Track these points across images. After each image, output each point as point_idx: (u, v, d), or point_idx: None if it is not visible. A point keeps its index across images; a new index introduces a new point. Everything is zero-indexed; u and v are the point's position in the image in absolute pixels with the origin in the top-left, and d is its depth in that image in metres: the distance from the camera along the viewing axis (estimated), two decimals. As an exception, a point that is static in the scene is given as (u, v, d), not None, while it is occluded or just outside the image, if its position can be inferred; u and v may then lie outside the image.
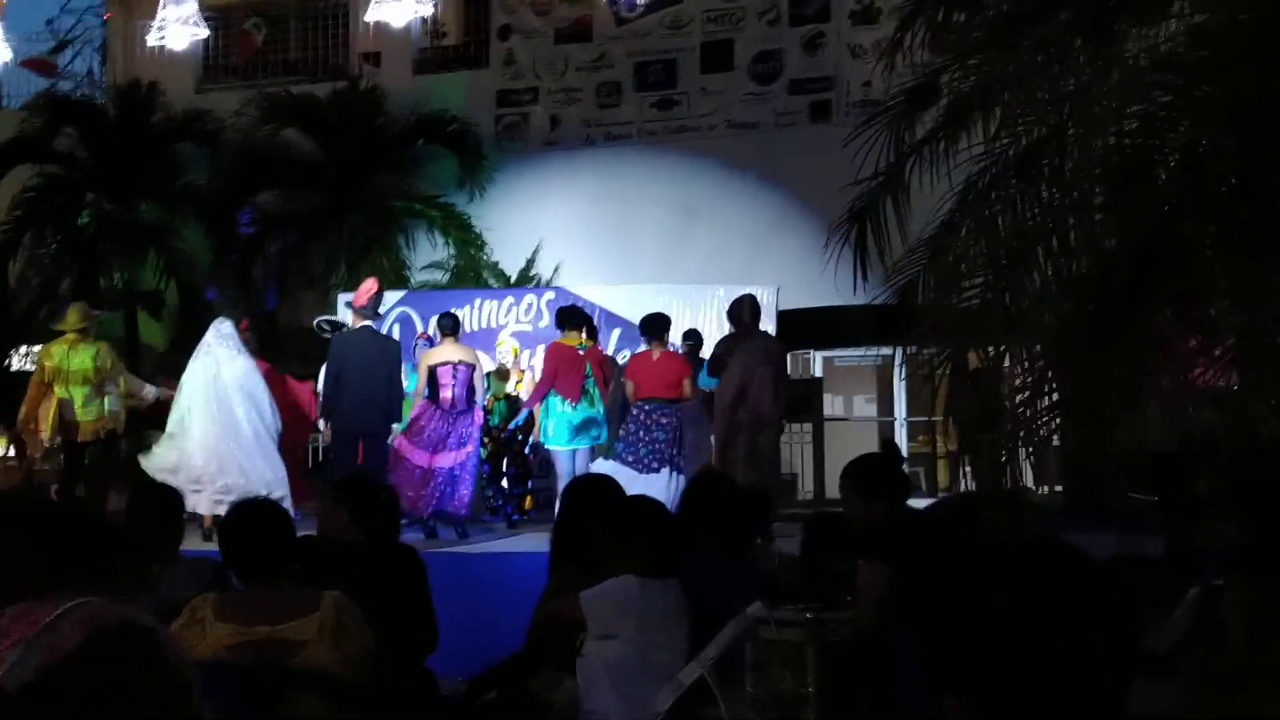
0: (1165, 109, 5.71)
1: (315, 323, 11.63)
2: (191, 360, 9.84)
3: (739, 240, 15.05)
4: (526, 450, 11.00)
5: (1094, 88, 6.06)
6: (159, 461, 9.50)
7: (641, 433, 9.86)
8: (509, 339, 11.70)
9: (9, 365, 16.66)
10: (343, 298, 13.57)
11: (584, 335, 10.44)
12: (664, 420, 9.89)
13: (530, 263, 15.72)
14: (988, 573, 1.54)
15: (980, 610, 1.48)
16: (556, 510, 5.13)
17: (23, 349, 16.73)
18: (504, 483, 10.97)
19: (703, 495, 5.29)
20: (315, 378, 11.24)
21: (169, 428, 9.69)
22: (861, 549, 4.51)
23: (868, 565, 4.40)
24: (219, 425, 9.55)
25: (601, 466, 9.72)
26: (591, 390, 10.21)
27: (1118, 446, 6.43)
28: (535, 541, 8.30)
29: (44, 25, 21.21)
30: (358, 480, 5.54)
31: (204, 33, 16.64)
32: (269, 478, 9.42)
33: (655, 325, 10.22)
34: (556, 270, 15.08)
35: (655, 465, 9.74)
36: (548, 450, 10.41)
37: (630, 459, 9.78)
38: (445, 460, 9.93)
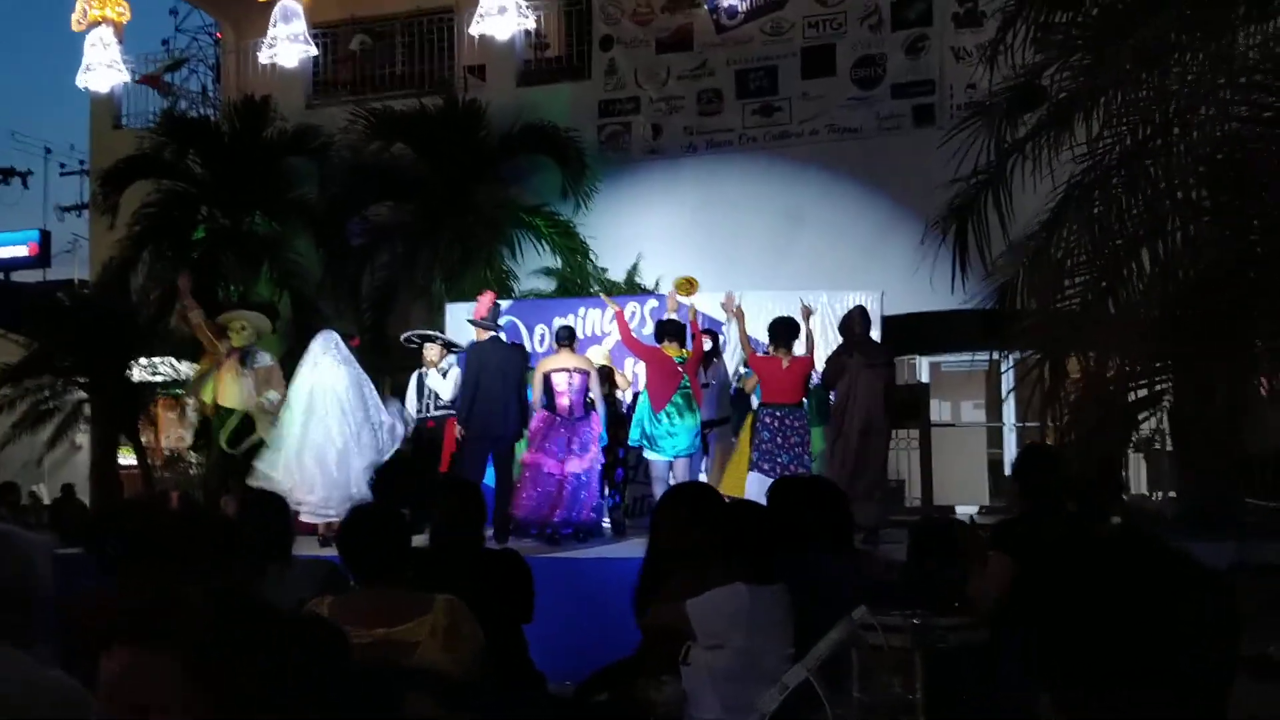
0: (1274, 110, 5.60)
1: (403, 337, 11.88)
2: (297, 371, 10.12)
3: (842, 246, 14.98)
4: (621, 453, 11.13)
5: (1200, 87, 5.96)
6: (263, 471, 9.78)
7: (779, 439, 9.89)
8: (598, 349, 11.80)
9: (131, 376, 17.15)
10: (450, 308, 13.80)
11: (681, 347, 10.52)
12: (797, 424, 9.95)
13: (633, 270, 15.81)
14: (1082, 568, 1.56)
15: (1074, 605, 1.51)
16: (652, 518, 5.15)
17: (143, 360, 17.23)
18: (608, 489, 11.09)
19: (810, 500, 5.29)
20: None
21: (271, 439, 9.97)
22: (995, 540, 4.62)
23: (997, 556, 4.50)
24: (315, 438, 9.81)
25: (750, 480, 9.76)
26: (690, 401, 10.32)
27: (1233, 451, 6.31)
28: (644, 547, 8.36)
29: (160, 46, 21.91)
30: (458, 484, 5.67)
31: (313, 50, 17.02)
32: (353, 492, 9.63)
33: (785, 331, 10.23)
34: (659, 278, 15.13)
35: (795, 469, 9.72)
36: (646, 458, 10.54)
37: (767, 466, 9.79)
38: (573, 467, 10.10)
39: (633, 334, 11.03)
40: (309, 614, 2.33)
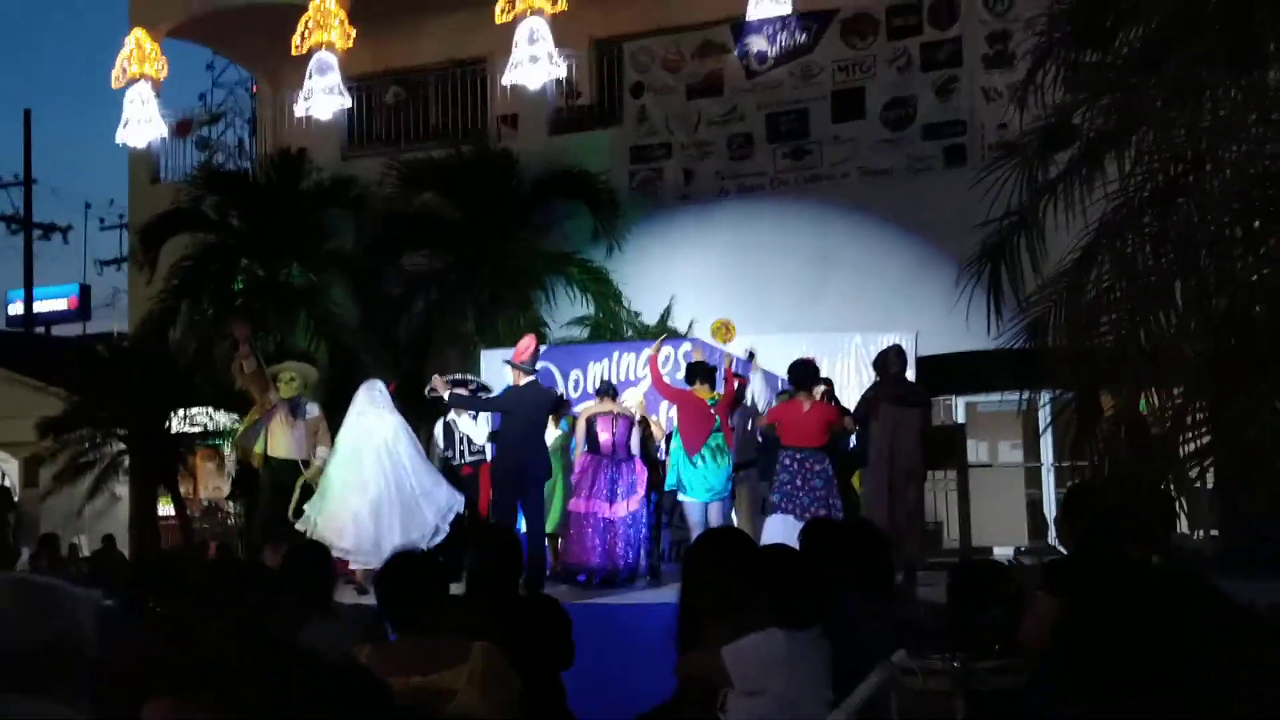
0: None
1: (427, 390, 11.54)
2: (344, 422, 10.22)
3: (875, 287, 14.97)
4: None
5: (1231, 122, 5.96)
6: (310, 520, 9.85)
7: (799, 481, 9.87)
8: (633, 393, 11.84)
9: (169, 428, 17.30)
10: (486, 355, 13.85)
11: (712, 389, 10.55)
12: (818, 468, 9.92)
13: (666, 315, 15.84)
14: (1126, 608, 1.57)
15: (1115, 641, 1.51)
16: (683, 564, 5.14)
17: (181, 412, 17.38)
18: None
19: (851, 543, 5.27)
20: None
21: (320, 489, 10.06)
22: (1045, 581, 4.66)
23: (1044, 597, 4.52)
24: (365, 486, 9.89)
25: (770, 522, 9.76)
26: (722, 444, 10.34)
27: (1275, 487, 6.25)
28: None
29: (197, 100, 22.24)
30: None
31: (348, 102, 17.23)
32: (413, 536, 9.69)
33: (805, 376, 10.23)
34: (692, 322, 15.15)
35: (818, 512, 9.69)
36: (681, 502, 10.55)
37: (788, 506, 9.77)
38: (622, 510, 10.15)
39: (664, 378, 11.06)
40: (350, 663, 2.34)
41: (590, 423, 10.45)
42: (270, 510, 10.51)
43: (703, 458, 10.26)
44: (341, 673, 2.37)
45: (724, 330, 12.21)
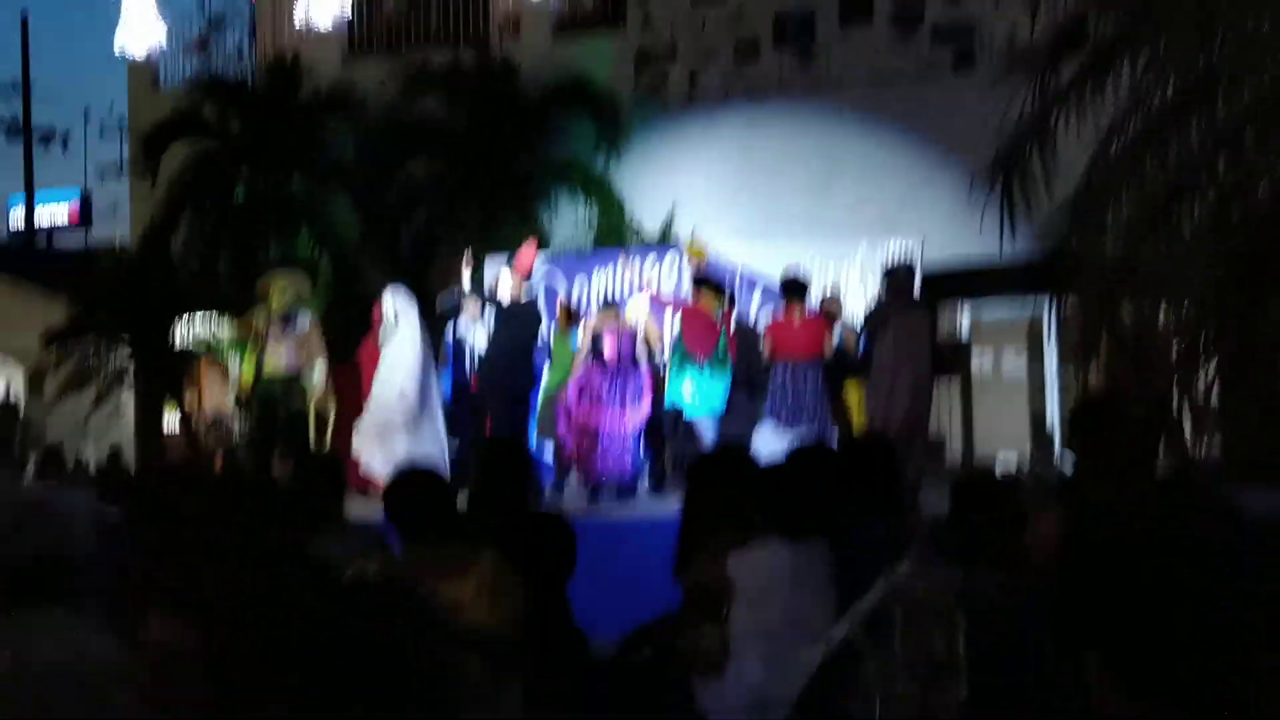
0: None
1: (438, 309, 11.67)
2: (383, 332, 10.31)
3: (882, 193, 14.84)
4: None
5: (1246, 29, 5.84)
6: (365, 424, 10.02)
7: (790, 395, 9.89)
8: (639, 300, 11.77)
9: (174, 339, 17.28)
10: (489, 261, 13.78)
11: (719, 297, 10.52)
12: (809, 379, 9.91)
13: (669, 222, 15.74)
14: (1136, 525, 1.54)
15: (1127, 562, 1.49)
16: (685, 478, 5.14)
17: (186, 319, 17.35)
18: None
19: (862, 458, 5.25)
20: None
21: (373, 395, 10.20)
22: (1054, 498, 4.62)
23: (1049, 515, 4.49)
24: (409, 391, 10.04)
25: (761, 431, 9.81)
26: (727, 357, 10.32)
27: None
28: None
29: (196, 6, 21.89)
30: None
31: (347, 7, 16.98)
32: (429, 448, 9.79)
33: (796, 288, 10.20)
34: (695, 229, 15.07)
35: (805, 421, 9.74)
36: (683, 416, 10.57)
37: (783, 414, 9.81)
38: (617, 420, 10.16)
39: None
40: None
41: (595, 337, 10.44)
42: (262, 428, 10.54)
43: (707, 370, 10.25)
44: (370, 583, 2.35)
45: (698, 251, 12.14)
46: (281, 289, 10.57)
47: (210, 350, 17.09)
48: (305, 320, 10.67)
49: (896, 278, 10.25)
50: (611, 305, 10.96)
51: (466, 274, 11.08)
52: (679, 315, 10.70)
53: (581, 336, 10.66)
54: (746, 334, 11.17)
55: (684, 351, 10.36)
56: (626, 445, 10.23)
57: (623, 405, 10.22)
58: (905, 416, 9.82)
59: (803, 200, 15.12)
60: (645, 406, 10.36)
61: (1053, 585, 1.68)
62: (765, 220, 14.84)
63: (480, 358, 11.14)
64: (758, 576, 4.28)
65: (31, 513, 2.84)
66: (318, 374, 10.43)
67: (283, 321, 10.41)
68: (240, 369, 10.92)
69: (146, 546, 4.15)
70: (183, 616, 2.37)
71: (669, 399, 10.62)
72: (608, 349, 10.31)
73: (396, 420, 10.03)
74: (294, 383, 10.40)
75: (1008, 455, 12.94)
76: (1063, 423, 10.80)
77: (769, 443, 9.07)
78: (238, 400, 11.00)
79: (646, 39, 16.76)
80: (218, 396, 16.79)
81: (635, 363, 10.40)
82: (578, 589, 5.07)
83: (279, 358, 10.37)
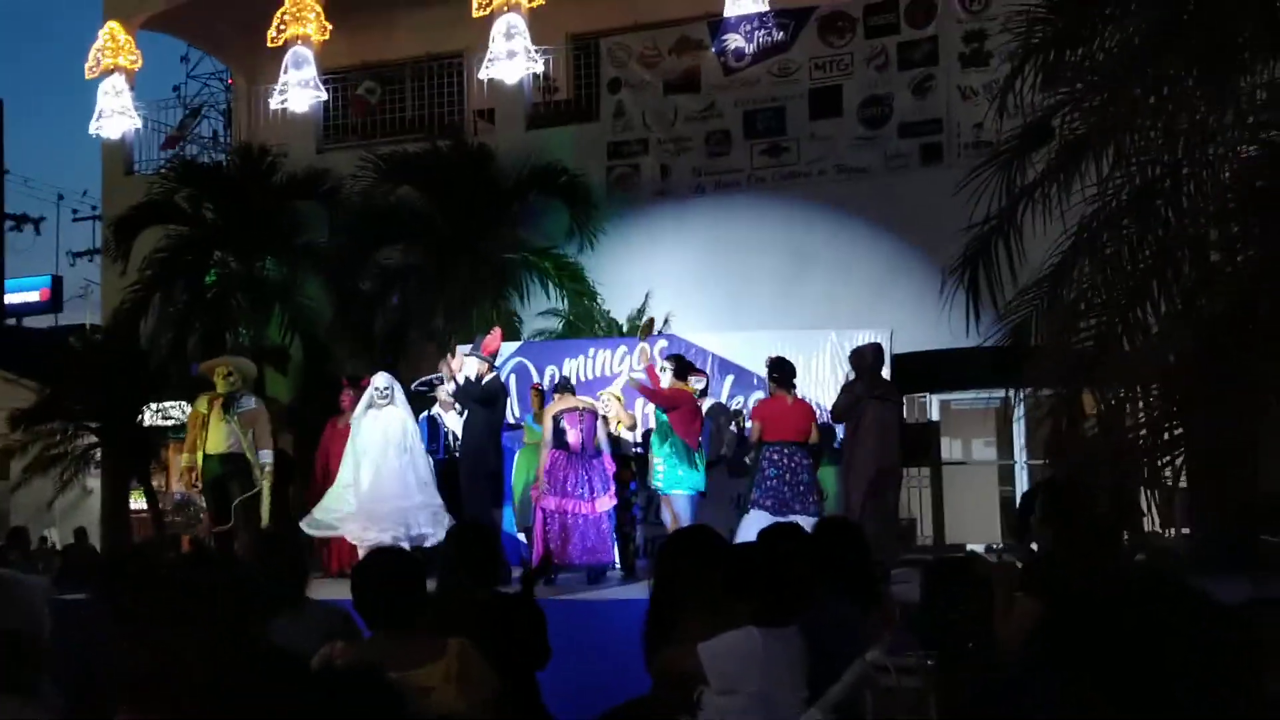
0: (1281, 147, 5.62)
1: (413, 386, 11.97)
2: (357, 416, 10.48)
3: (852, 285, 15.00)
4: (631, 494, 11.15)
5: (1209, 126, 5.98)
6: (329, 509, 10.03)
7: (787, 476, 9.85)
8: (609, 391, 11.81)
9: (142, 421, 17.17)
10: (461, 350, 13.81)
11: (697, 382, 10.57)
12: (805, 463, 9.93)
13: (641, 311, 15.82)
14: (1110, 609, 1.56)
15: (1102, 645, 1.51)
16: (656, 562, 5.12)
17: (154, 405, 17.25)
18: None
19: (835, 543, 5.25)
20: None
21: (342, 478, 10.23)
22: (1024, 582, 4.62)
23: (1023, 597, 4.49)
24: (381, 477, 10.08)
25: (748, 519, 9.71)
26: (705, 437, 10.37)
27: (1248, 487, 6.29)
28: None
29: (171, 92, 22.08)
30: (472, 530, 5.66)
31: (323, 95, 17.17)
32: (400, 533, 9.77)
33: (787, 370, 10.26)
34: (668, 319, 15.16)
35: (799, 508, 9.66)
36: (663, 496, 10.51)
37: (770, 504, 9.74)
38: (585, 508, 10.12)
39: (660, 384, 10.82)
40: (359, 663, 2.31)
41: (556, 420, 10.38)
42: (212, 504, 10.69)
43: (686, 450, 10.27)
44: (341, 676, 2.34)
45: (648, 329, 12.30)
46: (224, 372, 10.72)
47: (177, 432, 16.98)
48: (250, 400, 10.80)
49: (865, 360, 10.33)
50: (568, 386, 10.87)
51: (445, 369, 11.20)
52: (658, 396, 10.66)
53: (546, 422, 10.55)
54: (725, 416, 11.22)
55: (664, 432, 10.35)
56: (603, 530, 10.19)
57: (591, 491, 10.18)
58: (877, 501, 9.85)
59: (772, 291, 15.26)
60: (612, 491, 10.31)
61: (1023, 668, 1.70)
62: (735, 311, 14.96)
63: (452, 436, 11.28)
64: (729, 661, 4.26)
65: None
66: (264, 454, 10.55)
67: (225, 402, 10.58)
68: (184, 450, 11.02)
69: (111, 631, 4.11)
70: (148, 705, 2.35)
71: (650, 479, 10.59)
72: (570, 436, 10.26)
73: (389, 497, 10.14)
74: (239, 460, 10.50)
75: (976, 540, 12.97)
76: (1031, 509, 10.82)
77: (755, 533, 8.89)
78: (184, 479, 11.12)
79: (619, 130, 16.98)
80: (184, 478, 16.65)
81: (598, 449, 10.35)
82: (548, 672, 5.05)
83: (221, 436, 10.51)
